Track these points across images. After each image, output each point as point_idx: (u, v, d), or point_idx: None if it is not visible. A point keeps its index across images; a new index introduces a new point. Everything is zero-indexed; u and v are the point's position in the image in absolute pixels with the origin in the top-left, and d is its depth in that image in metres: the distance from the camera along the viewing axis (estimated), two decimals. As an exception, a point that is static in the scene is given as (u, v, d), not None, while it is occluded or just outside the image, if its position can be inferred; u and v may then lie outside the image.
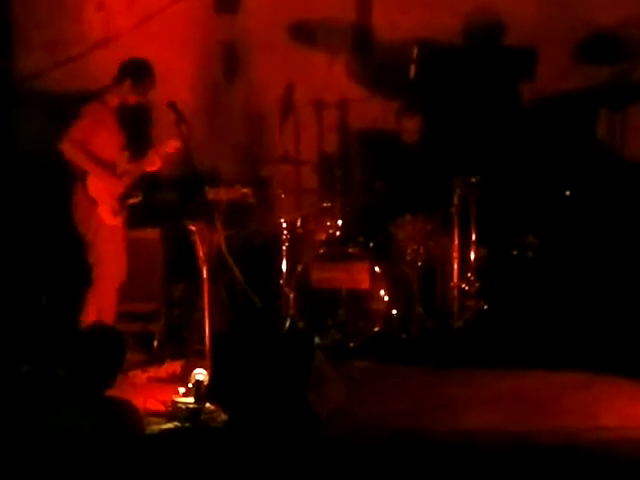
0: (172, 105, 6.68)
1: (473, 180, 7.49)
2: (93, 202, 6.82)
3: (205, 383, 6.01)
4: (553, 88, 8.44)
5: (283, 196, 7.77)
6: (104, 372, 4.55)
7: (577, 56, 8.41)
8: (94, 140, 6.80)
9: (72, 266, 7.33)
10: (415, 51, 7.92)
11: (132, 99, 6.96)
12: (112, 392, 4.74)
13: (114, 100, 6.93)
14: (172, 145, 6.80)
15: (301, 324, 7.38)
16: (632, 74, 8.35)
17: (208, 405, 5.92)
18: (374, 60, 8.77)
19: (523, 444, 5.53)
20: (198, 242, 6.48)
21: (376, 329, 7.34)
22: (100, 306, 6.92)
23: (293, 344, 6.01)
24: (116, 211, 6.85)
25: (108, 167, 6.85)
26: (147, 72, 6.91)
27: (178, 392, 6.12)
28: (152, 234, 7.62)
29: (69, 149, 6.72)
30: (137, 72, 6.88)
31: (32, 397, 4.51)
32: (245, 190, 7.50)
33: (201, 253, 6.43)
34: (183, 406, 5.97)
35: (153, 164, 6.97)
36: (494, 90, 8.48)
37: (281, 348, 5.95)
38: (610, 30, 8.31)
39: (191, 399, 6.00)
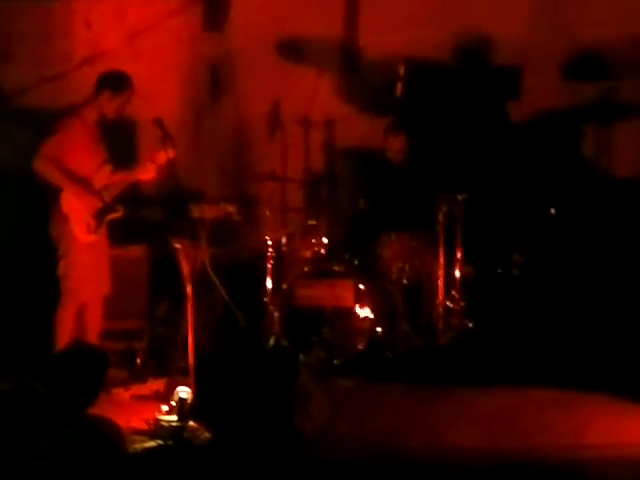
0: (158, 122, 6.66)
1: (459, 198, 7.49)
2: (65, 218, 6.77)
3: (188, 401, 5.97)
4: (540, 106, 8.45)
5: (268, 214, 7.76)
6: (85, 390, 4.50)
7: (564, 74, 8.43)
8: (71, 156, 6.72)
9: (49, 281, 7.30)
10: (402, 69, 7.91)
11: (110, 112, 6.85)
12: (94, 410, 4.71)
13: (92, 114, 6.84)
14: (166, 155, 6.71)
15: (285, 342, 7.35)
16: (618, 92, 8.36)
17: (191, 423, 5.88)
18: (361, 78, 8.78)
19: (508, 462, 5.52)
20: (182, 260, 6.44)
21: (360, 347, 7.32)
22: (83, 323, 6.91)
23: (277, 362, 5.98)
24: (91, 228, 6.79)
25: (84, 183, 6.79)
26: (125, 82, 6.84)
27: (161, 410, 6.07)
28: (137, 251, 7.60)
29: (42, 166, 6.64)
30: (115, 82, 6.81)
31: (12, 416, 4.43)
32: (230, 208, 7.47)
33: (185, 271, 6.39)
34: (166, 424, 5.92)
35: (147, 172, 6.88)
36: (481, 108, 8.49)
37: (265, 366, 5.92)
38: (596, 48, 8.34)
39: (174, 417, 5.95)
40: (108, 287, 6.98)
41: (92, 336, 6.94)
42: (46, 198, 6.88)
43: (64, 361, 4.54)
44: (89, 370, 4.52)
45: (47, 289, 7.10)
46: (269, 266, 7.56)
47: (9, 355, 7.00)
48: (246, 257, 8.08)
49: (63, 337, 6.79)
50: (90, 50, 8.74)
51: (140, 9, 8.83)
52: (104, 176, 6.90)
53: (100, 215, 6.83)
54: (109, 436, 4.56)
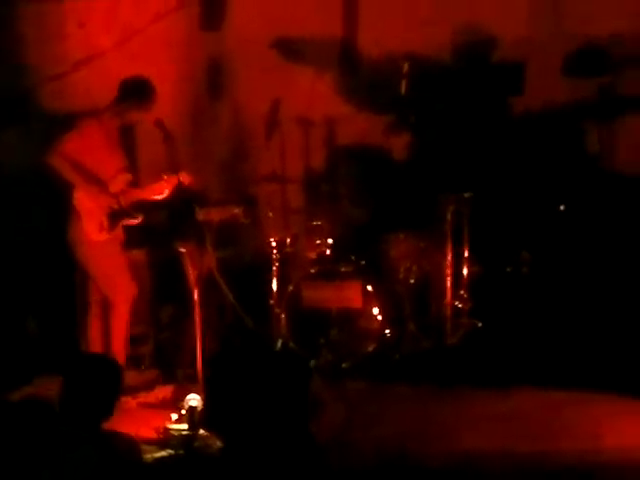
0: (159, 123, 6.61)
1: (466, 196, 7.40)
2: (78, 216, 6.71)
3: (199, 409, 5.85)
4: (542, 102, 8.36)
5: (271, 215, 7.64)
6: (101, 404, 4.35)
7: (566, 70, 8.34)
8: (87, 156, 6.70)
9: (63, 287, 7.21)
10: (406, 67, 7.80)
11: (133, 119, 6.91)
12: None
13: (113, 120, 6.84)
14: (181, 179, 6.68)
15: (293, 345, 7.24)
16: (619, 87, 8.28)
17: (202, 432, 5.76)
18: (361, 76, 8.68)
19: (524, 466, 5.43)
20: (189, 264, 6.35)
21: (369, 349, 7.22)
22: (113, 329, 6.87)
23: (289, 367, 5.85)
24: (103, 226, 6.71)
25: (98, 182, 6.73)
26: (149, 91, 6.83)
27: (171, 418, 5.96)
28: (139, 255, 7.48)
29: (56, 161, 6.63)
30: (139, 92, 6.80)
31: (24, 431, 4.27)
32: (236, 210, 7.37)
33: (192, 275, 6.29)
34: (176, 433, 5.82)
35: (160, 193, 6.86)
36: (483, 105, 8.40)
37: (277, 371, 5.79)
38: (597, 43, 8.25)
39: (184, 426, 5.85)
40: (135, 288, 6.92)
41: (118, 341, 6.88)
42: (50, 199, 6.83)
43: (78, 374, 4.39)
44: (104, 383, 4.38)
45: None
46: (274, 268, 7.45)
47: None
48: (250, 259, 7.96)
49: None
50: (85, 51, 8.63)
51: (134, 9, 8.71)
52: (121, 182, 6.82)
53: (114, 216, 6.75)
54: (126, 452, 4.42)
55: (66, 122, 6.90)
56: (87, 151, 6.69)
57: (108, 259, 6.81)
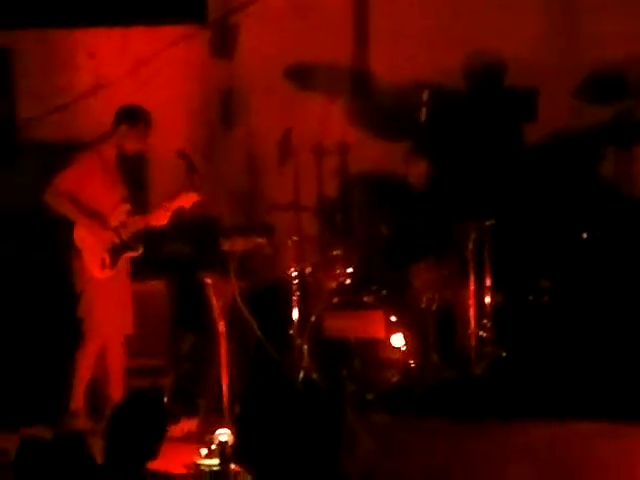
0: (183, 155, 6.56)
1: (487, 224, 7.32)
2: (78, 253, 6.61)
3: (229, 444, 5.75)
4: (557, 128, 8.33)
5: (291, 244, 7.53)
6: (146, 444, 4.17)
7: (580, 95, 8.31)
8: (86, 191, 6.62)
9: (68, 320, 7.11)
10: (426, 95, 7.73)
11: (130, 147, 6.78)
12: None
13: (110, 150, 6.76)
14: (189, 199, 6.58)
15: (315, 376, 7.12)
16: (636, 112, 8.25)
17: (233, 466, 5.66)
18: (373, 103, 8.64)
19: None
20: (213, 295, 6.26)
21: (393, 380, 7.11)
22: (104, 363, 6.75)
23: (322, 400, 5.76)
24: (105, 263, 6.62)
25: (98, 217, 6.65)
26: (142, 117, 6.75)
27: (200, 454, 5.85)
28: (157, 286, 7.39)
29: (53, 199, 6.56)
30: (132, 117, 6.73)
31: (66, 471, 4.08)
32: (261, 240, 7.27)
33: (217, 306, 6.21)
34: (207, 469, 5.72)
35: (160, 219, 6.75)
36: (498, 131, 8.35)
37: (308, 405, 5.70)
38: (613, 68, 8.23)
39: (215, 461, 5.74)
40: (130, 326, 6.80)
41: (115, 376, 6.77)
42: (57, 234, 6.72)
43: (122, 414, 4.23)
44: (150, 419, 4.24)
45: (66, 329, 6.93)
46: (295, 298, 7.35)
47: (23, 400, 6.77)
48: (269, 289, 7.85)
49: (82, 379, 6.65)
50: (95, 81, 8.59)
51: (144, 37, 8.68)
52: (121, 214, 6.73)
53: (116, 251, 6.66)
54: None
55: (65, 156, 6.81)
56: (86, 185, 6.63)
57: (112, 297, 6.69)
